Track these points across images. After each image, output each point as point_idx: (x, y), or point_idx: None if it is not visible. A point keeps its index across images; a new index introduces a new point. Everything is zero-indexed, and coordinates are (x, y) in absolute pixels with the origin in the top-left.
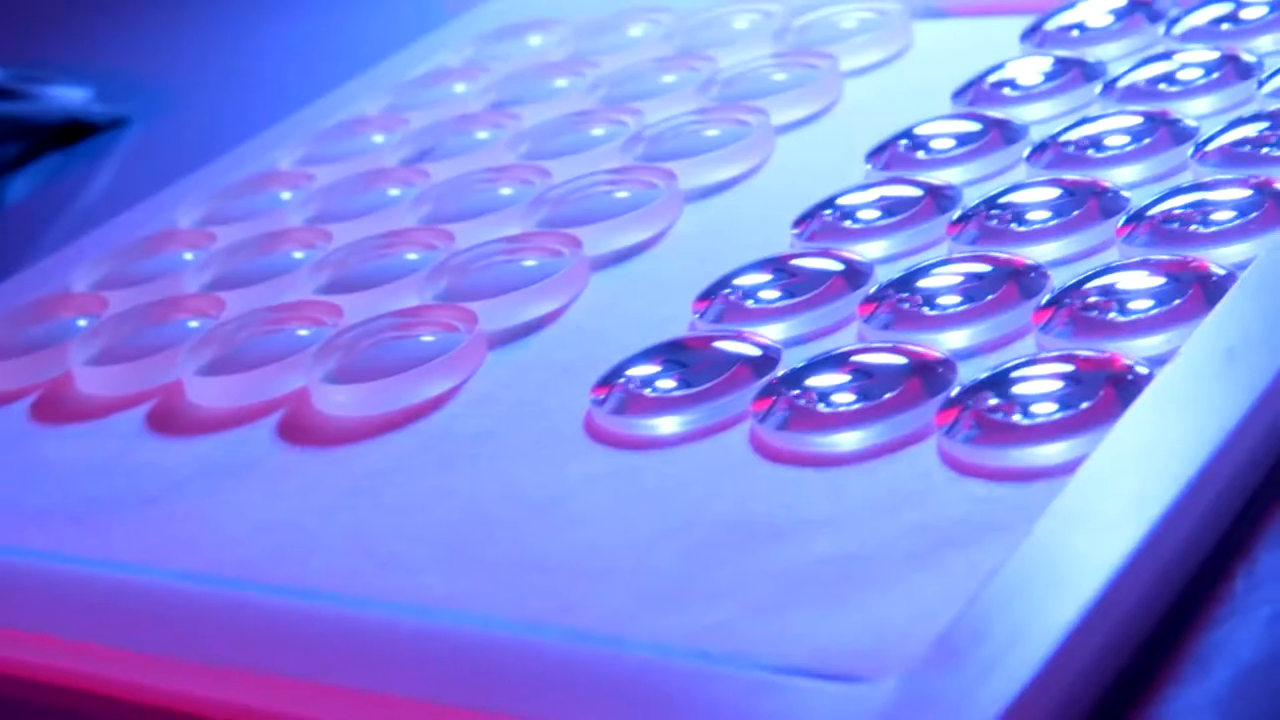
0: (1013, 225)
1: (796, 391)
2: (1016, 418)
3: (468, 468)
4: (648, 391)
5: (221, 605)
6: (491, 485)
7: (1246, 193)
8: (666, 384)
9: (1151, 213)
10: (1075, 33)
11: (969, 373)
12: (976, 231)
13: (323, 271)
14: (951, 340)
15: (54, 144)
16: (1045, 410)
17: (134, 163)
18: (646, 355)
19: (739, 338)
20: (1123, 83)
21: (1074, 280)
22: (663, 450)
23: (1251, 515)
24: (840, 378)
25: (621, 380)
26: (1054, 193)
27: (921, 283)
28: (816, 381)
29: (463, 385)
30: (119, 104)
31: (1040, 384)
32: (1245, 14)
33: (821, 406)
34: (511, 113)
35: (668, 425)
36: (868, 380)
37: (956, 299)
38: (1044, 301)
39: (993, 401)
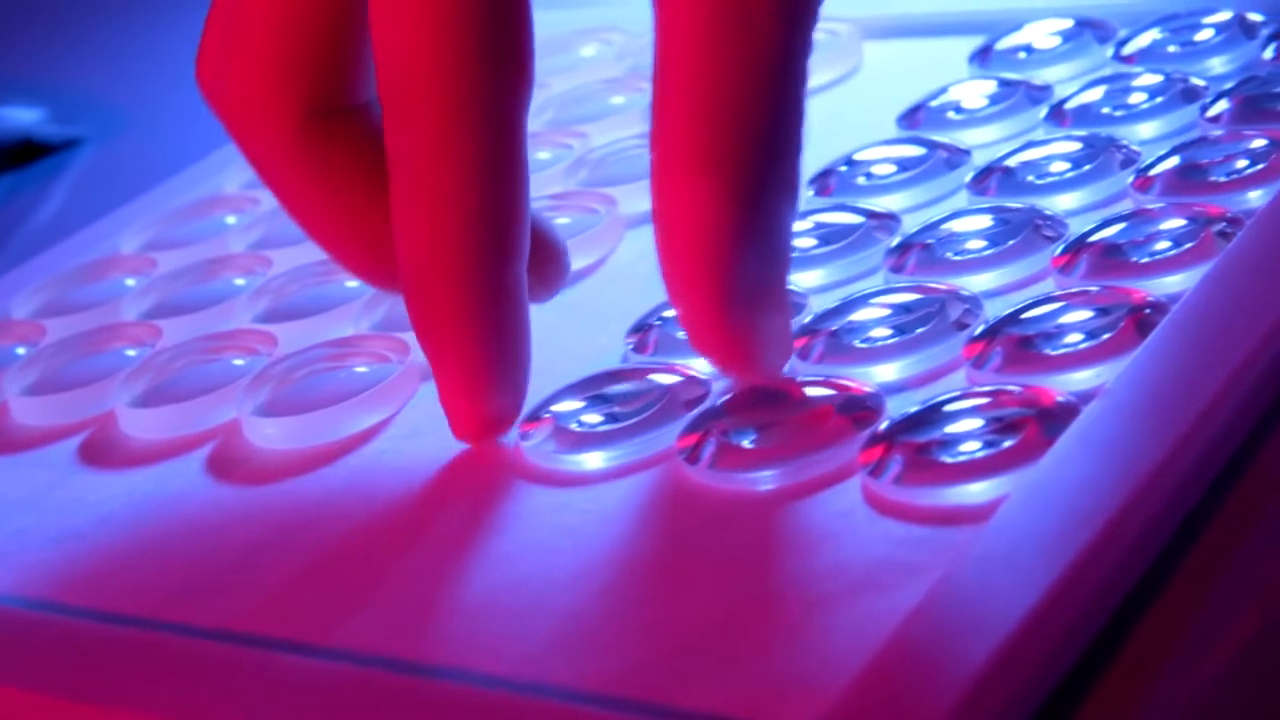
0: (949, 254)
1: (722, 428)
2: (941, 457)
3: (393, 505)
4: (574, 426)
5: (131, 646)
6: (415, 524)
7: (1182, 222)
8: (593, 419)
9: (1088, 242)
10: (1022, 54)
11: (899, 407)
12: (913, 260)
13: (261, 299)
14: (882, 373)
15: (6, 165)
16: (969, 449)
17: (87, 183)
18: (575, 389)
19: (669, 370)
20: (1067, 106)
21: (1007, 312)
22: (590, 486)
23: (1172, 557)
24: (767, 414)
25: (549, 415)
26: (992, 220)
27: (854, 315)
28: (743, 418)
29: (393, 418)
30: (72, 124)
31: (966, 421)
32: (1197, 36)
33: (746, 443)
34: None
35: (594, 461)
36: (795, 416)
37: (887, 331)
38: (976, 334)
39: (917, 439)
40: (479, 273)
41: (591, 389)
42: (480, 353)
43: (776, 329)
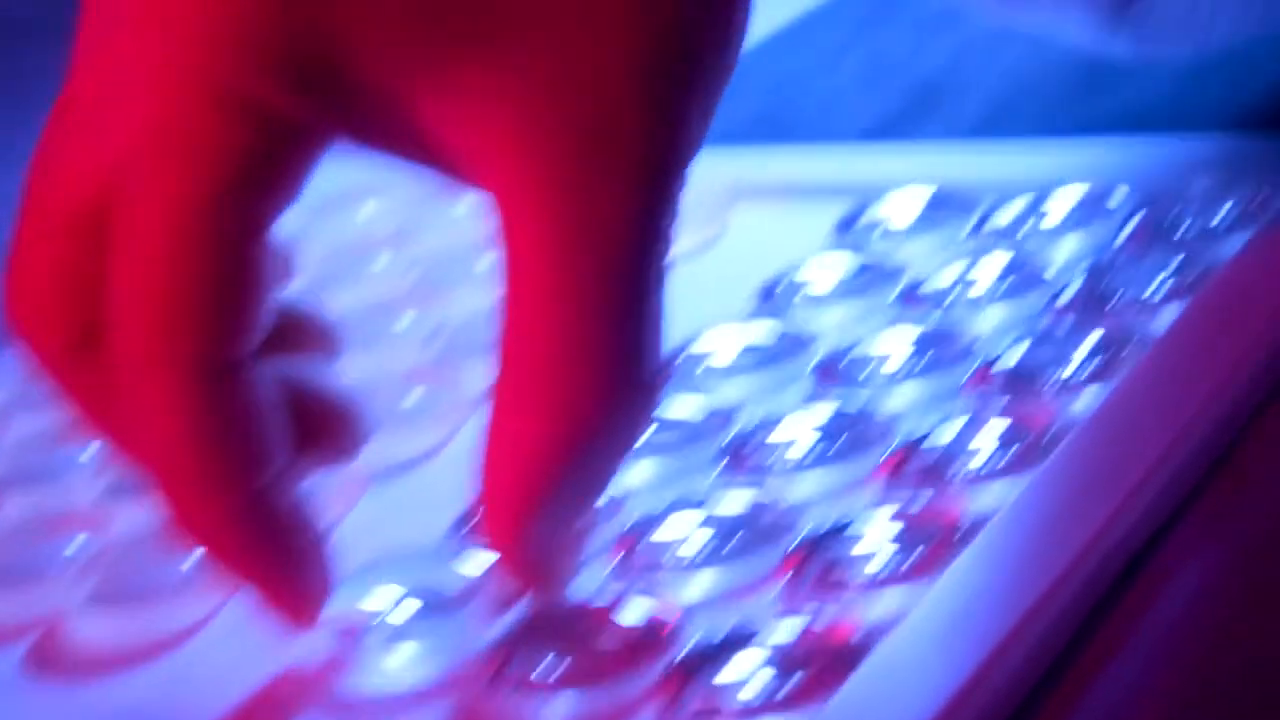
0: (776, 457)
1: (523, 653)
2: (728, 699)
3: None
4: (384, 635)
5: None
6: None
7: (1006, 425)
8: (402, 616)
9: (915, 450)
10: (880, 233)
11: (712, 623)
12: (745, 460)
13: (105, 472)
14: (696, 589)
15: None
16: (756, 689)
17: None
18: (393, 584)
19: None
20: (920, 292)
21: (824, 530)
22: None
23: None
24: (568, 640)
25: (358, 620)
26: (825, 420)
27: (671, 523)
28: (544, 643)
29: (215, 615)
30: None
31: (756, 652)
32: (1051, 219)
33: (542, 671)
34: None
35: (403, 677)
36: (591, 643)
37: (702, 543)
38: (789, 550)
39: (707, 677)
40: (214, 509)
41: (409, 583)
42: (254, 570)
43: (570, 557)
